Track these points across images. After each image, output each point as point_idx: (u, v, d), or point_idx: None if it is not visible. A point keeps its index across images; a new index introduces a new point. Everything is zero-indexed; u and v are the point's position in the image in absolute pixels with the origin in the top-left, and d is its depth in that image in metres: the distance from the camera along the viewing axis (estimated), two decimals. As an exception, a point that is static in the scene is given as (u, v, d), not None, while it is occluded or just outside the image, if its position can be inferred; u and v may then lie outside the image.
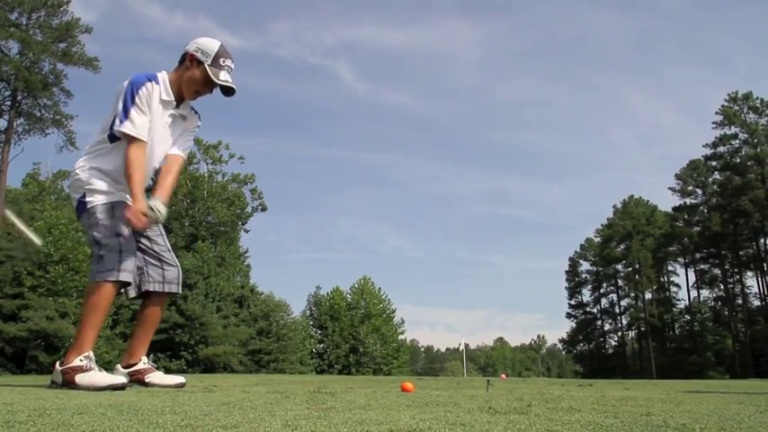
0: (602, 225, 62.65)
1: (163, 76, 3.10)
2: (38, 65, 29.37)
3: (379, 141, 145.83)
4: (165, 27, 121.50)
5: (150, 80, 3.03)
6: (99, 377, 2.78)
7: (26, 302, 24.25)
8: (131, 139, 2.95)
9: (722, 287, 51.59)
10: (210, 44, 3.12)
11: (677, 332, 56.49)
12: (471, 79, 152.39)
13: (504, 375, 22.83)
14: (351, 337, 43.20)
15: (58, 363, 2.90)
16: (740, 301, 49.29)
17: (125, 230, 2.97)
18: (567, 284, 66.75)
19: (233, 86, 3.13)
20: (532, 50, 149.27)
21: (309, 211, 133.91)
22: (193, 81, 3.11)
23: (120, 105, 2.95)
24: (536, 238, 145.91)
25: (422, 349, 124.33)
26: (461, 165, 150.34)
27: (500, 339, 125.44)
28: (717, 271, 52.32)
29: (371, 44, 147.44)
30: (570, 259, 67.62)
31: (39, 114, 30.18)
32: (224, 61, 3.11)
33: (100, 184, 3.00)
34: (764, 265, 46.91)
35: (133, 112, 2.94)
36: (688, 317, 55.40)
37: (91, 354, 2.84)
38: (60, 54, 29.60)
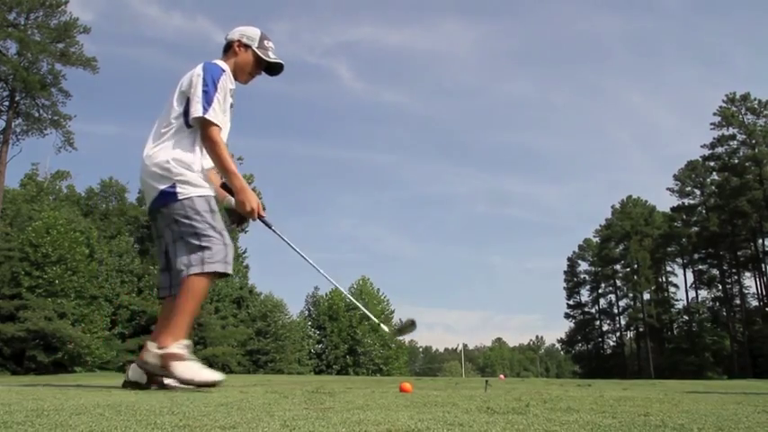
0: (600, 225, 62.83)
1: (225, 65, 3.14)
2: (36, 65, 29.34)
3: (378, 141, 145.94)
4: (163, 27, 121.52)
5: (225, 70, 3.08)
6: (197, 369, 2.75)
7: (24, 303, 24.22)
8: (211, 126, 2.94)
9: (720, 287, 51.65)
10: (252, 30, 3.29)
11: (675, 332, 56.55)
12: (470, 79, 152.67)
13: (502, 376, 22.86)
14: (349, 337, 43.21)
15: (150, 343, 2.80)
16: (738, 302, 49.36)
17: (222, 224, 2.97)
18: (565, 285, 66.87)
19: (283, 63, 3.32)
20: (531, 51, 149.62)
21: (308, 210, 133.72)
22: (246, 64, 3.24)
23: (200, 92, 2.95)
24: (534, 238, 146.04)
25: (420, 350, 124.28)
26: (460, 165, 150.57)
27: (498, 340, 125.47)
28: (715, 271, 52.38)
29: (370, 44, 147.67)
30: (569, 259, 67.75)
31: (37, 115, 30.15)
32: (267, 42, 3.29)
33: (192, 176, 2.94)
34: (762, 265, 46.98)
35: (215, 100, 2.96)
36: (686, 317, 55.49)
37: (188, 342, 2.79)
38: (58, 54, 29.57)
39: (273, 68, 3.33)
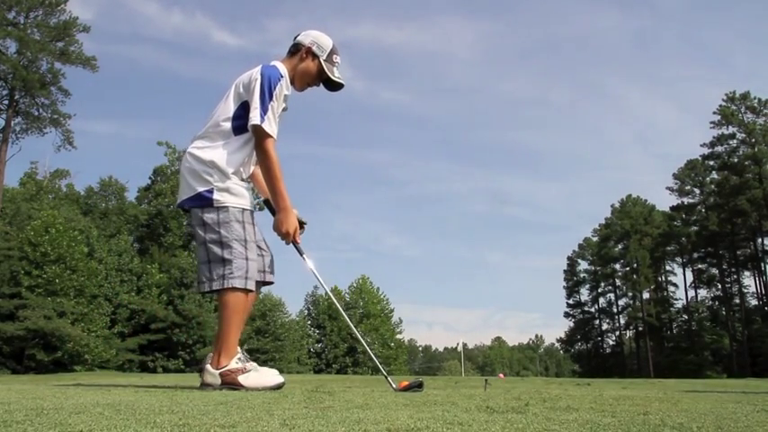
0: (600, 224, 62.88)
1: (284, 70, 3.05)
2: (35, 64, 29.34)
3: (377, 140, 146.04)
4: (162, 25, 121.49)
5: (283, 76, 3.00)
6: (264, 376, 2.82)
7: (24, 302, 24.20)
8: (268, 137, 2.89)
9: (720, 287, 51.68)
10: (326, 39, 3.15)
11: (675, 331, 56.62)
12: (469, 78, 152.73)
13: (502, 375, 22.90)
14: (349, 336, 43.23)
15: (208, 365, 2.84)
16: (737, 301, 49.38)
17: (253, 238, 2.92)
18: (565, 284, 66.95)
19: (344, 83, 3.20)
20: (530, 49, 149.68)
21: (307, 209, 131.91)
22: (308, 74, 3.13)
23: (258, 98, 2.88)
24: (534, 237, 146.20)
25: (420, 348, 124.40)
26: (459, 163, 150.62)
27: (498, 339, 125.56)
28: (714, 270, 52.41)
29: (369, 42, 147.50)
30: (568, 258, 67.80)
31: (36, 113, 30.17)
32: (336, 58, 3.16)
33: (232, 185, 2.90)
34: (762, 264, 47.03)
35: (271, 108, 2.90)
36: (685, 316, 55.53)
37: (242, 355, 2.85)
38: (58, 53, 29.56)
39: (333, 85, 3.20)
